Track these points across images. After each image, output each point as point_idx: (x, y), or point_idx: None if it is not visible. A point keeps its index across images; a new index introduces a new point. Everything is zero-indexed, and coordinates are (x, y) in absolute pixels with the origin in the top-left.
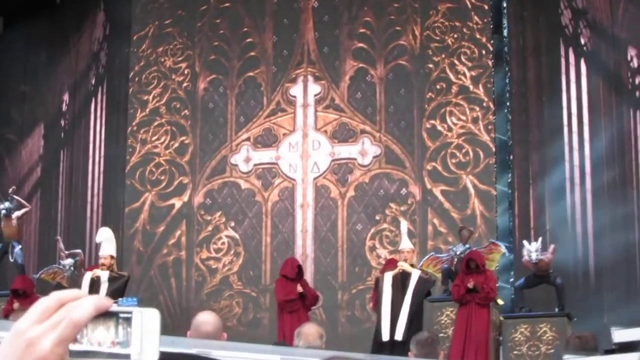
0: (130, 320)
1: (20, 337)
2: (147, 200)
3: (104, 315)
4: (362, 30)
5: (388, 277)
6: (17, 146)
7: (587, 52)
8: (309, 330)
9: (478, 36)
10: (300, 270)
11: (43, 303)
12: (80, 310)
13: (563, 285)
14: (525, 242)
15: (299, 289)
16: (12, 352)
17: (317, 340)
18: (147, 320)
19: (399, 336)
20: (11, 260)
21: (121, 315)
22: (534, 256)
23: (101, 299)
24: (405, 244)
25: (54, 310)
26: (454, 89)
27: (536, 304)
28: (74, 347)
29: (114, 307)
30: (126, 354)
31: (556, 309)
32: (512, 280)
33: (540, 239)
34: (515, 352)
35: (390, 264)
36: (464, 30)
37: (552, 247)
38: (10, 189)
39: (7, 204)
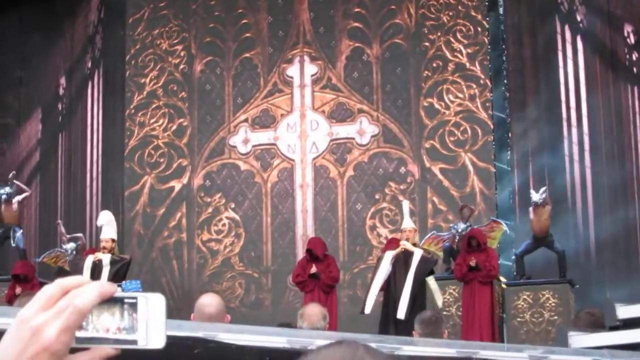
0: (135, 305)
1: (25, 325)
2: (146, 183)
3: (109, 301)
4: (357, 10)
5: (388, 256)
6: (15, 131)
7: (582, 28)
8: (312, 311)
9: (473, 13)
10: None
11: (47, 290)
12: (85, 297)
13: (564, 251)
14: (532, 191)
15: (313, 269)
16: (17, 340)
17: (320, 321)
18: (152, 306)
19: (401, 315)
20: (12, 244)
21: (126, 300)
22: (538, 198)
23: (105, 285)
24: (407, 223)
25: (58, 297)
26: (450, 66)
27: (537, 271)
28: (79, 334)
29: (119, 293)
30: (133, 340)
31: (558, 277)
32: (513, 258)
33: (545, 187)
34: (518, 319)
35: (392, 243)
36: (459, 7)
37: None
38: (11, 174)
39: (7, 189)
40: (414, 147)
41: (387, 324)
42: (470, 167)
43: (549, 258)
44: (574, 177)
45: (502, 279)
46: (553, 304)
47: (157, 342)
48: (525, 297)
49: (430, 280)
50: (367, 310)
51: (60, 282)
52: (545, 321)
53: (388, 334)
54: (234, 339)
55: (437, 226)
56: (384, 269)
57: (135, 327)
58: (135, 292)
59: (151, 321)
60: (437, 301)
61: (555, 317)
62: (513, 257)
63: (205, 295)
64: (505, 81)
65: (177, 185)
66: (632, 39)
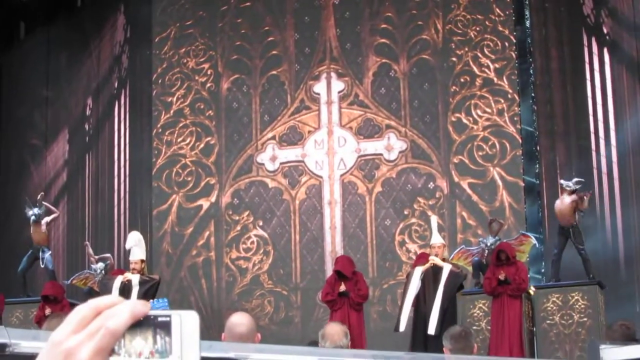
0: (168, 326)
1: (57, 348)
2: (174, 202)
3: (141, 322)
4: (383, 26)
5: (417, 272)
6: (42, 151)
7: (609, 41)
8: (333, 330)
9: (500, 28)
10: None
11: (79, 312)
12: (117, 319)
13: (586, 254)
14: (562, 181)
15: (342, 288)
16: None
17: (342, 339)
18: (186, 324)
19: (431, 330)
20: (42, 266)
21: (159, 319)
22: (571, 184)
23: (137, 305)
24: (436, 239)
25: (91, 319)
26: (478, 81)
27: (564, 273)
28: (113, 359)
29: (151, 312)
30: None
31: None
32: (542, 270)
33: (561, 181)
34: (548, 322)
35: (422, 258)
36: (486, 22)
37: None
38: (39, 195)
39: (36, 210)
40: (442, 162)
41: (418, 339)
42: (499, 182)
43: (576, 260)
44: (602, 190)
45: (532, 291)
46: (582, 306)
47: None
48: (554, 299)
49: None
50: (402, 327)
51: (93, 303)
52: (575, 323)
53: (419, 350)
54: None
55: (466, 241)
56: (414, 285)
57: (170, 350)
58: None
59: (185, 340)
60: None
61: (585, 319)
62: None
63: (235, 314)
64: (533, 95)
65: (205, 203)
66: None
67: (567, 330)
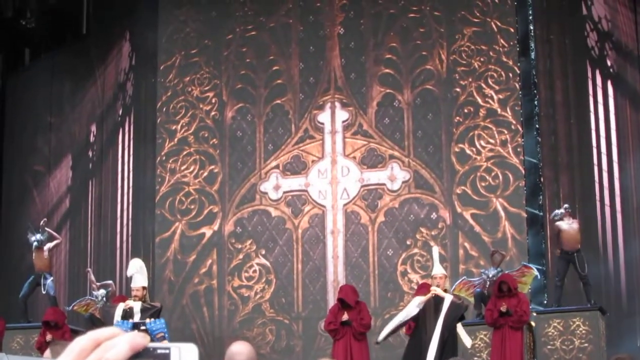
0: (167, 357)
1: None
2: (177, 229)
3: (140, 354)
4: (388, 56)
5: (416, 300)
6: (44, 177)
7: (613, 73)
8: None
9: (504, 59)
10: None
11: (79, 343)
12: (116, 351)
13: (587, 279)
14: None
15: (344, 317)
16: None
17: None
18: (185, 357)
19: None
20: (43, 292)
21: (158, 351)
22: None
23: (136, 337)
24: (437, 269)
25: (90, 350)
26: (482, 112)
27: (566, 298)
28: None
29: (151, 344)
30: None
31: (588, 305)
32: (545, 302)
33: (566, 205)
34: (549, 347)
35: (423, 288)
36: (491, 53)
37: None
38: (42, 221)
39: (38, 236)
40: (445, 192)
41: None
42: (502, 213)
43: (577, 285)
44: (605, 222)
45: (533, 323)
46: (584, 332)
47: None
48: (555, 324)
49: (459, 326)
50: (380, 338)
51: (92, 335)
52: (576, 348)
53: None
54: None
55: (468, 272)
56: (408, 310)
57: None
58: (161, 332)
59: None
60: (466, 344)
61: (586, 345)
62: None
63: (236, 343)
64: (537, 126)
65: (207, 231)
66: None
67: (568, 356)
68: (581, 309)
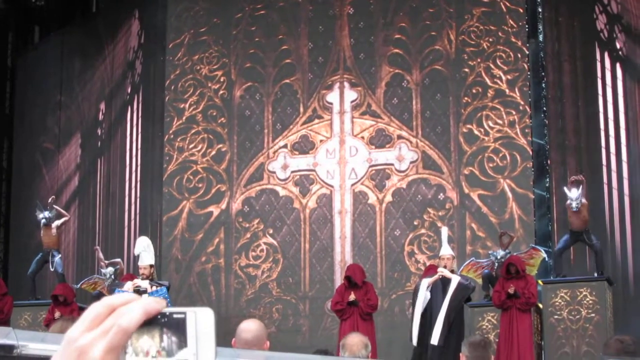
0: (183, 323)
1: (71, 345)
2: (185, 208)
3: (154, 320)
4: (397, 36)
5: (424, 284)
6: (54, 155)
7: (622, 56)
8: (353, 340)
9: (513, 40)
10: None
11: (94, 309)
12: (129, 316)
13: (601, 249)
14: (565, 189)
15: (351, 297)
16: None
17: (361, 350)
18: (201, 321)
19: (434, 341)
20: (51, 269)
21: (174, 316)
22: (574, 205)
23: (150, 302)
24: (445, 250)
25: (105, 316)
26: (490, 93)
27: (571, 268)
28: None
29: (166, 309)
30: None
31: (595, 274)
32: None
33: (581, 186)
34: (555, 317)
35: (431, 269)
36: (499, 34)
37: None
38: (50, 199)
39: (47, 214)
40: (453, 173)
41: (422, 349)
42: (509, 194)
43: (585, 254)
44: (612, 205)
45: (541, 305)
46: (590, 302)
47: (207, 358)
48: (562, 294)
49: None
50: (414, 341)
51: (108, 300)
52: (583, 319)
53: None
54: None
55: (475, 253)
56: (422, 298)
57: (175, 351)
58: (164, 298)
59: (201, 337)
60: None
61: (593, 315)
62: (548, 253)
63: (247, 320)
64: (545, 108)
65: (215, 210)
66: None
67: (575, 326)
68: (588, 279)
